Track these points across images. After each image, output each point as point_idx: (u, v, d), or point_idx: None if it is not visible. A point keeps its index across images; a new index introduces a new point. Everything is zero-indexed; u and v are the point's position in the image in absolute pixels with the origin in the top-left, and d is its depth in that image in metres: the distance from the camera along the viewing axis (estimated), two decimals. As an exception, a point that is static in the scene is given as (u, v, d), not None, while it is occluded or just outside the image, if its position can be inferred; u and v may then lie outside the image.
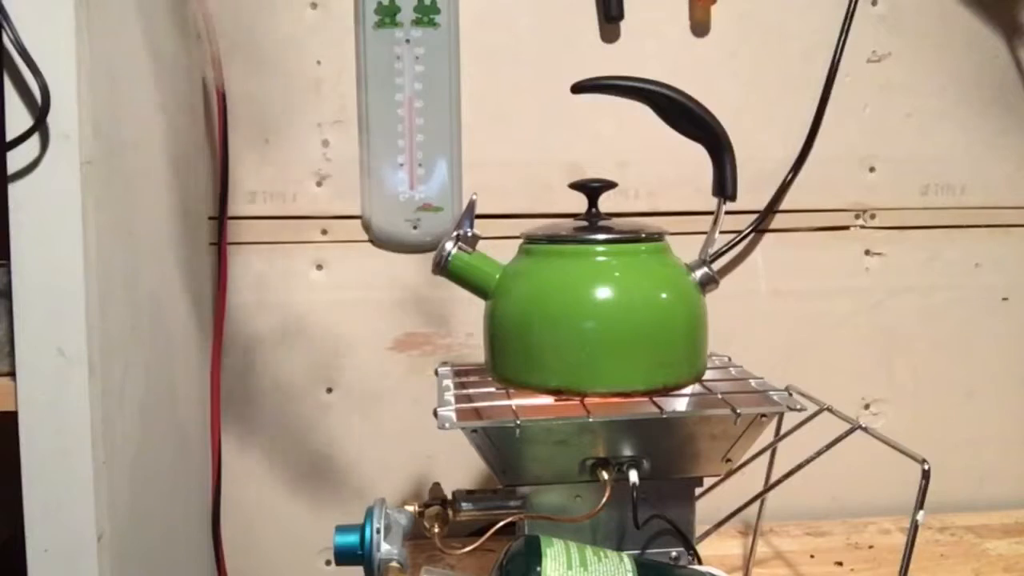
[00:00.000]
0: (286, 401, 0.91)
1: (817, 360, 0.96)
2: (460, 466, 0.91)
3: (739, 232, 0.93)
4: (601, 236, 0.63)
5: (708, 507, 0.69)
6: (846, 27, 0.92)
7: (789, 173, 0.93)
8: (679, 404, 0.66)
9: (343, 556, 0.60)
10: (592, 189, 0.67)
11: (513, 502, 0.63)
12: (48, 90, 0.54)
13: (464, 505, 0.64)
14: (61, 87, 0.55)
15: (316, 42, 0.87)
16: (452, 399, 0.63)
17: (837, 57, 0.92)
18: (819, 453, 0.64)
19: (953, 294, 0.97)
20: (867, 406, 0.97)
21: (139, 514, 0.67)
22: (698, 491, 0.65)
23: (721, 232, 0.69)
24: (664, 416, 0.60)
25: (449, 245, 0.63)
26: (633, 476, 0.61)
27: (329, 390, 0.91)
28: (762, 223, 0.93)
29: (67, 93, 0.55)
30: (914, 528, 0.56)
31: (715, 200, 0.64)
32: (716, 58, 0.91)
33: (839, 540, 0.88)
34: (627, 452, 0.61)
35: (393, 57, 0.87)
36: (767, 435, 0.65)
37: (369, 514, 0.60)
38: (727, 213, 0.64)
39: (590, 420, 0.59)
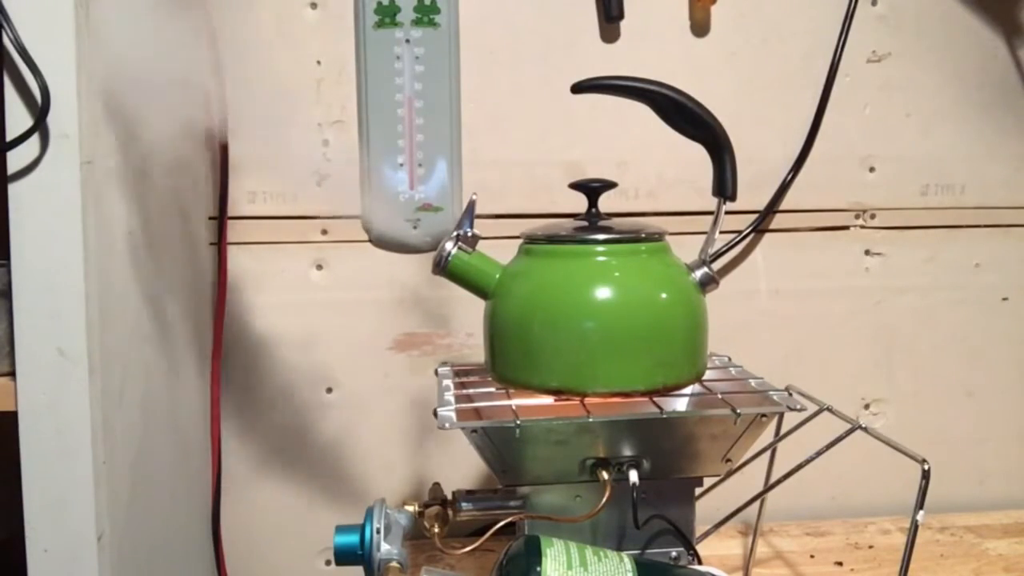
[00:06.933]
0: (286, 401, 0.91)
1: (817, 360, 0.96)
2: (460, 466, 0.91)
3: (739, 232, 0.93)
4: (601, 236, 0.63)
5: (708, 507, 0.69)
6: (846, 27, 0.92)
7: (789, 173, 0.93)
8: (679, 404, 0.66)
9: (343, 556, 0.60)
10: (592, 189, 0.67)
11: (513, 502, 0.63)
12: (48, 90, 0.54)
13: (464, 505, 0.64)
14: (61, 87, 0.55)
15: (316, 42, 0.87)
16: (452, 399, 0.63)
17: (837, 57, 0.92)
18: (819, 453, 0.64)
19: (953, 294, 0.97)
20: (867, 406, 0.97)
21: (139, 514, 0.67)
22: (698, 491, 0.65)
23: (721, 232, 0.69)
24: (664, 416, 0.60)
25: (449, 245, 0.63)
26: (633, 476, 0.61)
27: (329, 390, 0.91)
28: (762, 223, 0.93)
29: (67, 93, 0.55)
30: (914, 528, 0.56)
31: (715, 200, 0.64)
32: (716, 58, 0.91)
33: (839, 540, 0.88)
34: (627, 452, 0.61)
35: (393, 57, 0.87)
36: (767, 435, 0.65)
37: (369, 514, 0.60)
38: (727, 213, 0.64)
39: (590, 420, 0.59)
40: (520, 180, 0.90)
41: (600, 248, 0.63)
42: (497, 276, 0.64)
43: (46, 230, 0.56)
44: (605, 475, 0.60)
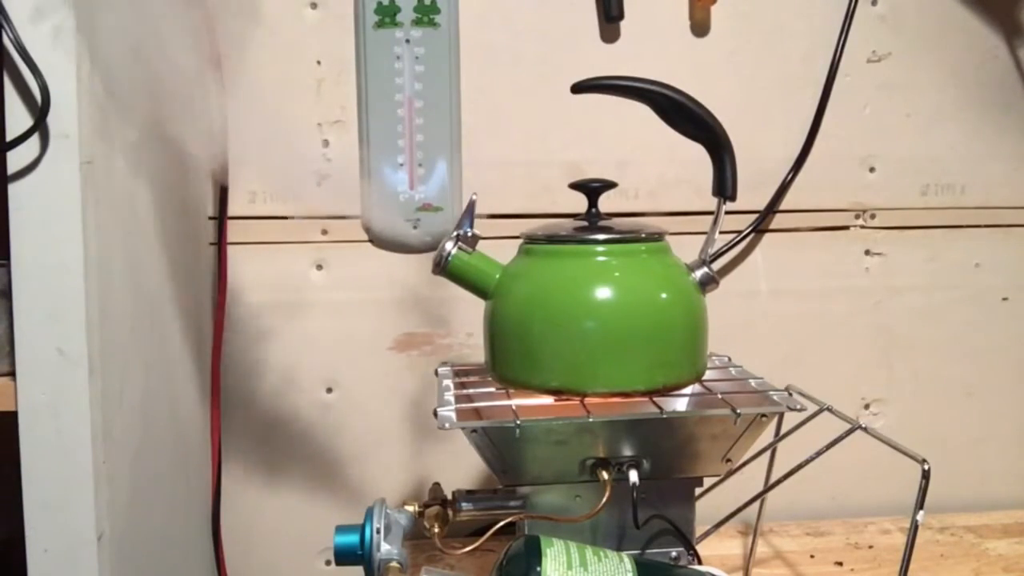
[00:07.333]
0: (286, 401, 0.90)
1: (817, 360, 0.96)
2: (460, 466, 0.91)
3: (739, 232, 0.92)
4: (601, 236, 0.63)
5: (708, 507, 0.69)
6: (846, 27, 0.92)
7: (789, 173, 0.93)
8: (679, 404, 0.66)
9: (343, 556, 0.60)
10: (592, 189, 0.67)
11: (513, 502, 0.63)
12: (48, 90, 0.54)
13: (464, 505, 0.64)
14: (61, 87, 0.55)
15: (316, 42, 0.87)
16: (452, 399, 0.63)
17: (837, 57, 0.92)
18: (819, 453, 0.64)
19: (953, 294, 0.97)
20: (867, 406, 0.97)
21: (139, 514, 0.67)
22: (698, 491, 0.65)
23: (721, 232, 0.69)
24: (664, 416, 0.60)
25: (449, 245, 0.63)
26: (633, 476, 0.61)
27: (329, 390, 0.91)
28: (762, 223, 0.93)
29: (67, 93, 0.55)
30: (914, 528, 0.56)
31: (715, 200, 0.64)
32: (716, 58, 0.91)
33: (839, 540, 0.88)
34: (627, 452, 0.61)
35: (393, 57, 0.87)
36: (767, 435, 0.65)
37: (369, 514, 0.60)
38: (727, 213, 0.64)
39: (590, 420, 0.59)
40: (520, 180, 0.90)
41: (600, 248, 0.63)
42: (497, 276, 0.64)
43: (46, 230, 0.56)
44: (605, 475, 0.60)
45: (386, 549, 0.59)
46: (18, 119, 0.55)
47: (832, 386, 0.93)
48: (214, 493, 0.89)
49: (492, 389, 0.65)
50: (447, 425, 0.58)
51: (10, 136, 0.54)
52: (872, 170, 0.95)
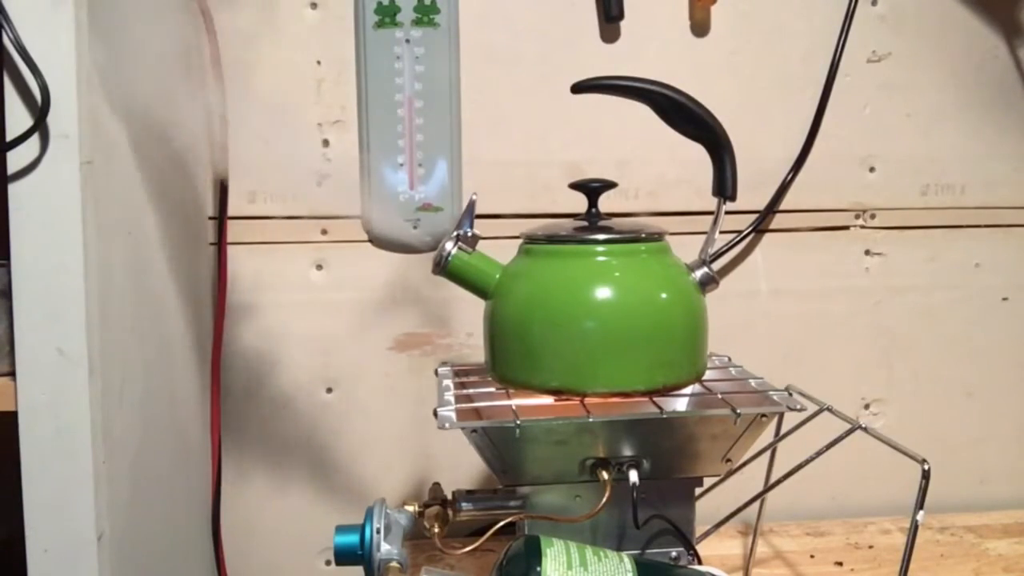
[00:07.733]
0: (286, 401, 0.90)
1: (817, 360, 0.96)
2: (460, 466, 0.91)
3: (739, 232, 0.93)
4: (601, 236, 0.63)
5: (708, 507, 0.69)
6: (846, 27, 0.92)
7: (789, 173, 0.93)
8: (679, 404, 0.66)
9: (343, 556, 0.60)
10: (592, 189, 0.67)
11: (513, 502, 0.64)
12: (48, 90, 0.54)
13: (464, 505, 0.64)
14: (61, 87, 0.55)
15: (316, 42, 0.87)
16: (452, 399, 0.63)
17: (837, 57, 0.92)
18: (819, 453, 0.64)
19: (953, 294, 0.97)
20: (867, 406, 0.97)
21: (139, 514, 0.67)
22: (698, 491, 0.65)
23: (721, 232, 0.69)
24: (664, 416, 0.60)
25: (449, 245, 0.63)
26: (633, 476, 0.61)
27: (329, 390, 0.91)
28: (762, 223, 0.93)
29: (67, 93, 0.55)
30: (914, 528, 0.56)
31: (715, 200, 0.64)
32: (716, 58, 0.91)
33: (839, 540, 0.88)
34: (627, 452, 0.61)
35: (393, 57, 0.87)
36: (767, 435, 0.65)
37: (369, 514, 0.60)
38: (727, 213, 0.64)
39: (590, 420, 0.59)
40: (520, 180, 0.90)
41: (600, 248, 0.63)
42: (497, 276, 0.64)
43: (46, 230, 0.56)
44: (605, 475, 0.60)
45: (386, 549, 0.59)
46: (18, 119, 0.55)
47: (832, 386, 0.93)
48: (214, 493, 0.89)
49: (492, 389, 0.65)
50: (447, 425, 0.58)
51: (10, 136, 0.54)
52: (872, 170, 0.95)
